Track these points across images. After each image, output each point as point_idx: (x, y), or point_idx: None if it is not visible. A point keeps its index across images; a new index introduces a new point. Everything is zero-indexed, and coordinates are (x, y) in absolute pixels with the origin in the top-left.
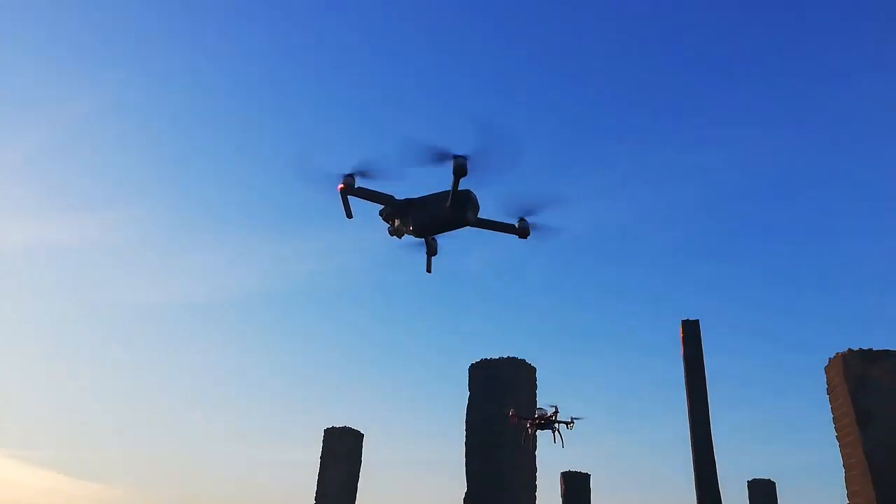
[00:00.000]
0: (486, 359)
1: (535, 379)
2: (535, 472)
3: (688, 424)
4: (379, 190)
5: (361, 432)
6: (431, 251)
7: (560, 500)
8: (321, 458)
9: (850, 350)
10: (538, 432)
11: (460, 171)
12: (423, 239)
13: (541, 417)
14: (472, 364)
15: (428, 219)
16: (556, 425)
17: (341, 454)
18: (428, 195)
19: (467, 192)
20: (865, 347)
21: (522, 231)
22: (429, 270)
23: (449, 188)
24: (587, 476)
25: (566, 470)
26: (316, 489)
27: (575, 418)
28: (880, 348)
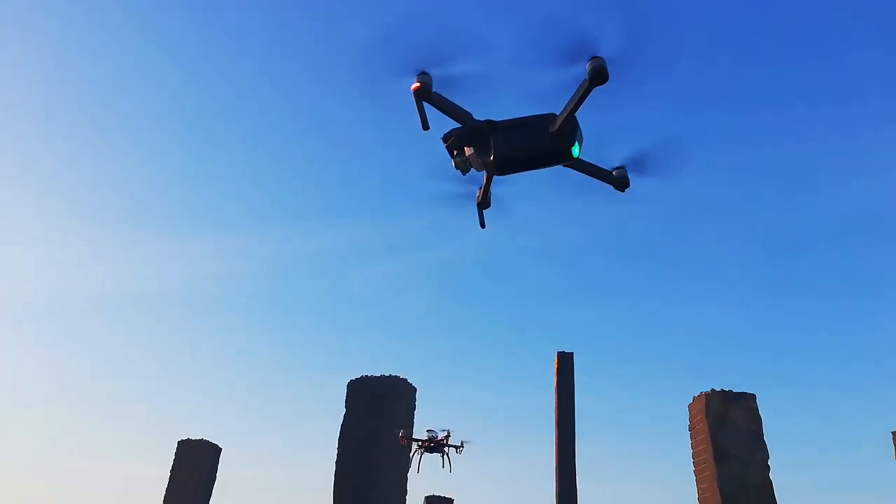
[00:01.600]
0: (366, 375)
1: (414, 399)
2: (406, 494)
3: (554, 454)
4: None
5: (219, 446)
6: (486, 203)
7: None
8: (171, 472)
9: (712, 390)
10: (426, 455)
11: (600, 76)
12: (479, 188)
13: (431, 440)
14: (351, 380)
15: (522, 148)
16: (447, 449)
17: (194, 469)
18: (517, 118)
19: (575, 120)
20: (726, 388)
21: (621, 182)
22: (483, 225)
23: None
24: (450, 500)
25: (430, 494)
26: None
27: (465, 442)
28: (739, 391)
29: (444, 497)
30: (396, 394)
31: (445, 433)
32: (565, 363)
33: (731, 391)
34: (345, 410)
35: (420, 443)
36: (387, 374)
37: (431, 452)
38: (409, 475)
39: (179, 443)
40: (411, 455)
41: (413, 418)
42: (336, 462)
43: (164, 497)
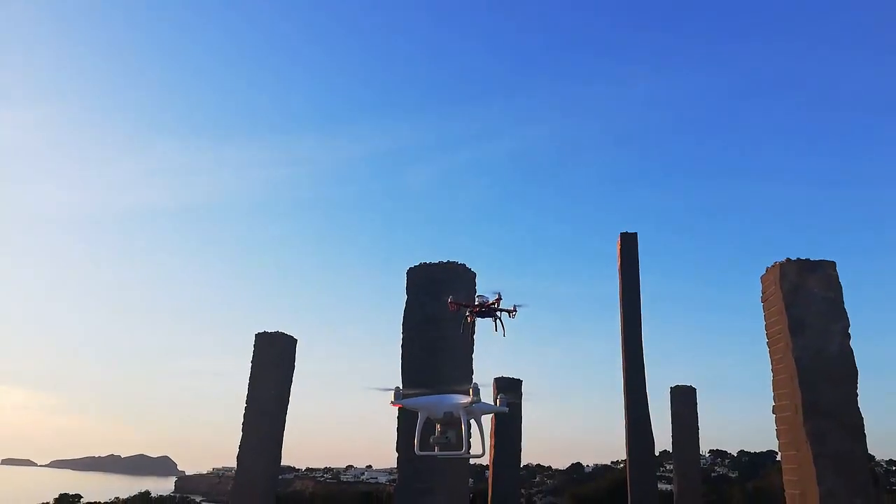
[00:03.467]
0: (424, 262)
1: (474, 283)
2: (472, 375)
3: (620, 335)
4: None
5: (294, 337)
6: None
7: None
8: (252, 364)
9: (787, 259)
10: (479, 320)
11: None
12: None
13: (482, 305)
14: (411, 268)
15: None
16: (499, 313)
17: (273, 360)
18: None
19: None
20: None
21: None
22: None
23: None
24: (519, 381)
25: (499, 376)
26: (247, 396)
27: (518, 306)
28: (816, 259)
29: (514, 378)
30: (455, 278)
31: (497, 296)
32: (629, 244)
33: (807, 259)
34: (406, 297)
35: (471, 307)
36: (445, 261)
37: (483, 317)
38: (473, 357)
39: (257, 335)
40: (462, 322)
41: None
42: (402, 346)
43: (248, 387)
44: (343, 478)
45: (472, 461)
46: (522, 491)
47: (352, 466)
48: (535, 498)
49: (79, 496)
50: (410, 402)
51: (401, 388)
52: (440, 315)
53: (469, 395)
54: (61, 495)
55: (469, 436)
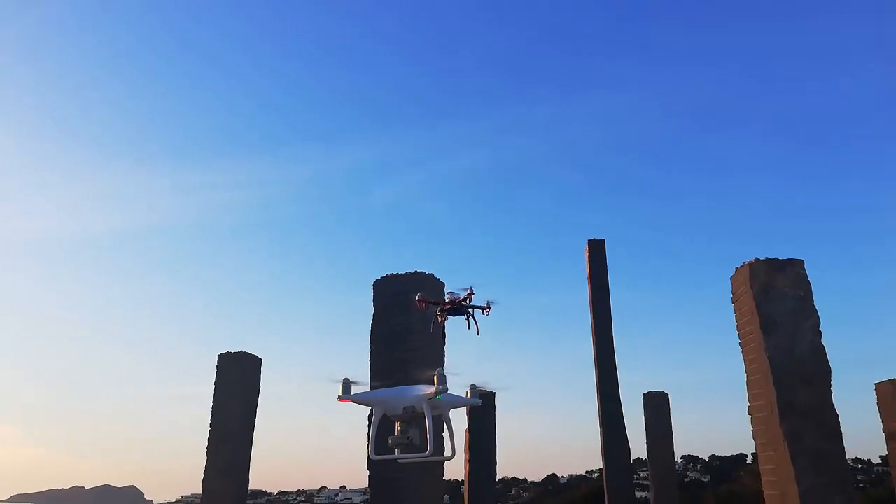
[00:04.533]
0: (391, 273)
1: (443, 294)
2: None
3: (592, 343)
4: None
5: (259, 357)
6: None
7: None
8: (215, 385)
9: (756, 259)
10: (450, 318)
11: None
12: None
13: (452, 301)
14: (377, 280)
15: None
16: (471, 310)
17: (237, 380)
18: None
19: None
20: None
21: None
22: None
23: None
24: (492, 393)
25: (472, 383)
26: (211, 418)
27: (491, 302)
28: (785, 258)
29: (486, 391)
30: (423, 289)
31: (468, 291)
32: (597, 250)
33: (776, 259)
34: (373, 309)
35: (441, 305)
36: (412, 271)
37: (455, 315)
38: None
39: (220, 356)
40: (432, 320)
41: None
42: (370, 360)
43: (212, 409)
44: (317, 500)
45: (445, 475)
46: None
47: (325, 488)
48: None
49: None
50: (363, 397)
51: (351, 379)
52: (409, 327)
53: (433, 385)
54: None
55: (434, 434)
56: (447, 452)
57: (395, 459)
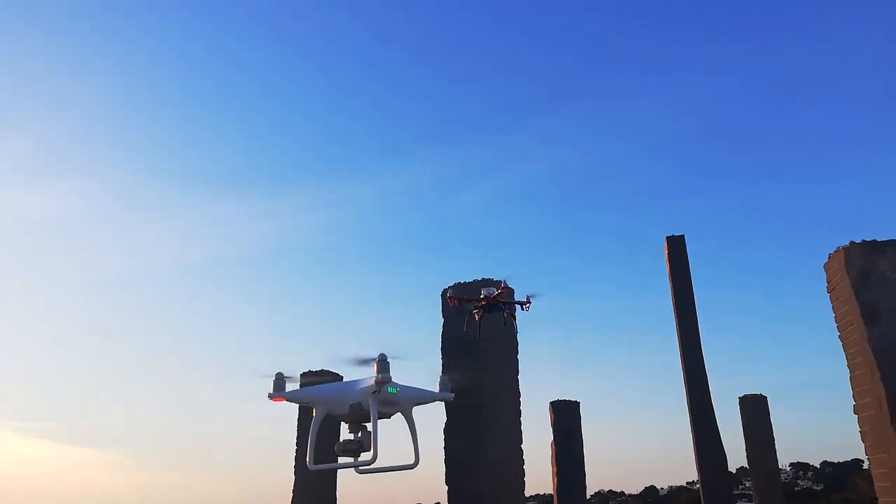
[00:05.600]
0: (458, 282)
1: (512, 299)
2: (519, 398)
3: (678, 346)
4: None
5: (342, 375)
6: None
7: (550, 429)
8: (300, 408)
9: (851, 243)
10: (488, 315)
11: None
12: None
13: (487, 298)
14: (445, 289)
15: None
16: (507, 306)
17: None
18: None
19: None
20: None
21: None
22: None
23: None
24: (577, 403)
25: (554, 399)
26: (296, 442)
27: (531, 296)
28: (884, 239)
29: (570, 400)
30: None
31: (502, 284)
32: (677, 248)
33: (874, 241)
34: (442, 320)
35: (475, 301)
36: (479, 279)
37: (492, 312)
38: (519, 378)
39: (302, 375)
40: (466, 319)
41: (515, 319)
42: (442, 371)
43: (297, 431)
44: None
45: (533, 489)
46: None
47: None
48: None
49: None
50: (301, 394)
51: (285, 374)
52: (480, 336)
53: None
54: None
55: (404, 437)
56: (406, 459)
57: (337, 468)
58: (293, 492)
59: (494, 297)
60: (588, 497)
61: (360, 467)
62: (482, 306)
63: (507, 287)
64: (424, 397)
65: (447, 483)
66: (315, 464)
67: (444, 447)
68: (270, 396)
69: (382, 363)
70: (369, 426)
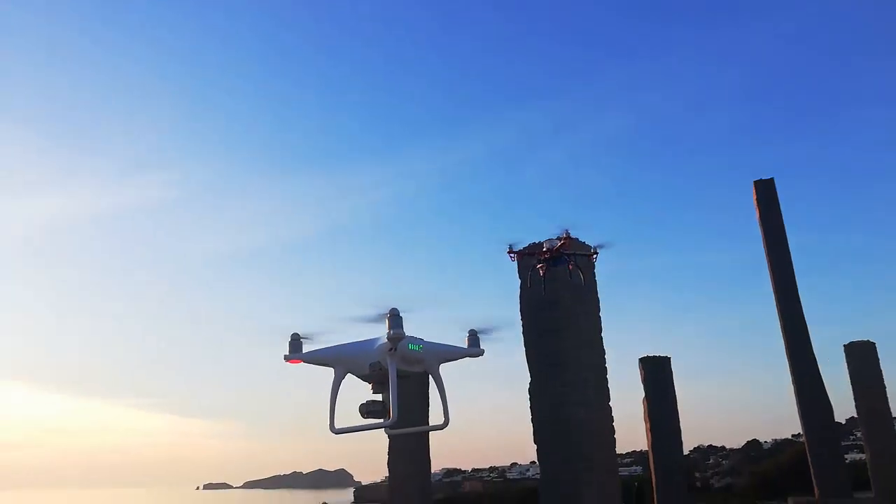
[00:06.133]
0: (533, 242)
1: (592, 257)
2: (604, 356)
3: (773, 294)
4: None
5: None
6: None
7: (641, 385)
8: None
9: None
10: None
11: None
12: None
13: (550, 250)
14: (520, 249)
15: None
16: (572, 258)
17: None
18: None
19: None
20: None
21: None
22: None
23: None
24: (667, 359)
25: (643, 355)
26: (389, 402)
27: (598, 247)
28: None
29: (660, 356)
30: (582, 268)
31: (564, 233)
32: (766, 191)
33: None
34: (519, 280)
35: (538, 255)
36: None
37: (556, 265)
38: (603, 336)
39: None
40: (529, 274)
41: (595, 278)
42: (522, 333)
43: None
44: (508, 475)
45: (627, 446)
46: (696, 474)
47: (516, 464)
48: (711, 480)
49: None
50: (318, 354)
51: (301, 334)
52: (556, 294)
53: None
54: None
55: (396, 397)
56: (435, 420)
57: (362, 429)
58: (389, 450)
59: (558, 249)
60: (686, 453)
61: (388, 429)
62: (546, 259)
63: (570, 237)
64: (452, 353)
65: (535, 442)
66: (338, 427)
67: (530, 406)
68: (286, 358)
69: (394, 318)
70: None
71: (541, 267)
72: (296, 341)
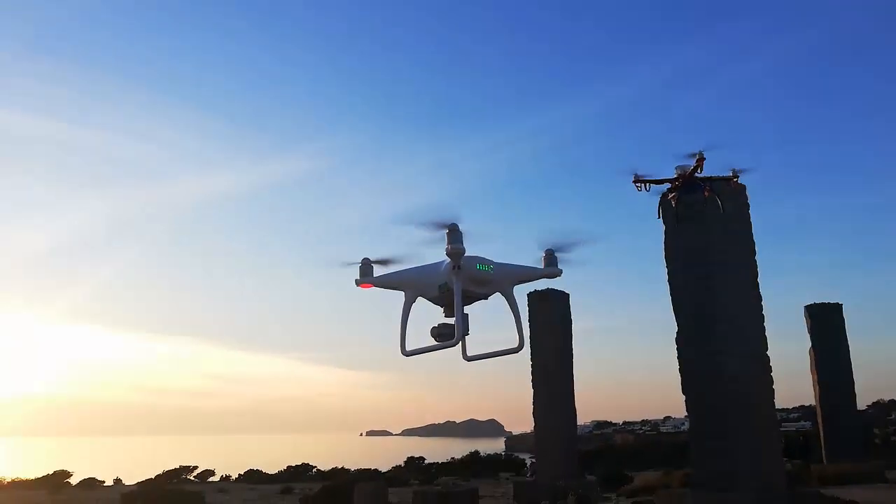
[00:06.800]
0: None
1: (747, 203)
2: (761, 303)
3: None
4: None
5: (567, 292)
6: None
7: (807, 335)
8: (529, 322)
9: None
10: (687, 198)
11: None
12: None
13: (681, 176)
14: (663, 193)
15: None
16: (707, 182)
17: (547, 316)
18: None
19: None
20: None
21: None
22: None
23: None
24: (838, 305)
25: (810, 303)
26: (530, 354)
27: (739, 171)
28: None
29: (830, 303)
30: (718, 195)
31: (698, 156)
32: None
33: None
34: (663, 227)
35: (670, 184)
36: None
37: (691, 194)
38: (759, 282)
39: (528, 295)
40: (658, 206)
41: (750, 216)
42: (668, 282)
43: (530, 346)
44: (662, 429)
45: (796, 400)
46: (876, 430)
47: (670, 417)
48: (893, 437)
49: (423, 458)
50: (388, 279)
51: (372, 259)
52: (708, 236)
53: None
54: (409, 458)
55: (462, 317)
56: (511, 342)
57: (431, 350)
58: (533, 401)
59: (691, 173)
60: (863, 408)
61: (441, 345)
62: (678, 187)
63: (702, 158)
64: (526, 274)
65: (684, 393)
66: (409, 350)
67: (678, 357)
68: (357, 283)
69: (453, 233)
70: (466, 308)
71: (672, 197)
72: (366, 265)
